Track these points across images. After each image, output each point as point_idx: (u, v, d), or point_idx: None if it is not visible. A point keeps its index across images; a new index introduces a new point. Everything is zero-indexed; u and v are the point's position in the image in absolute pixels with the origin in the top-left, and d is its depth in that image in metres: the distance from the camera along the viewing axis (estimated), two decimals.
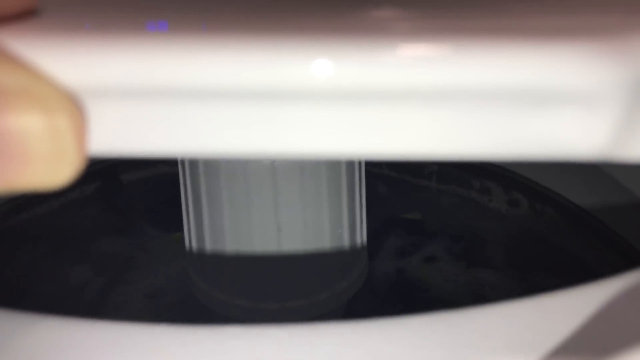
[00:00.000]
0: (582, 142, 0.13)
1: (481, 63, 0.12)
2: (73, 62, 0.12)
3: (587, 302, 0.19)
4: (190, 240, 0.32)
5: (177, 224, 0.33)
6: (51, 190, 0.12)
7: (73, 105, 0.12)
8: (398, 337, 0.18)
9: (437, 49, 0.12)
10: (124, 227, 0.39)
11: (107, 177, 0.41)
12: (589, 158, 0.14)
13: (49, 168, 0.12)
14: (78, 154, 0.12)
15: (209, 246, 0.31)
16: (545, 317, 0.19)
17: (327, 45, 0.12)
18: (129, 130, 0.13)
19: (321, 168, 0.29)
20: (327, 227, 0.31)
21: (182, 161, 0.30)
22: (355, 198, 0.31)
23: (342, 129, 0.13)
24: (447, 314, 0.19)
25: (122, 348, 0.17)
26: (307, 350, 0.17)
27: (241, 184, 0.29)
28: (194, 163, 0.29)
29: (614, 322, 0.19)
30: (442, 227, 0.40)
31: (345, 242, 0.32)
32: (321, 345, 0.18)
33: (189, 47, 0.12)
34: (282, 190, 0.29)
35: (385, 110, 0.13)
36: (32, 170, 0.12)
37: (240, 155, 0.13)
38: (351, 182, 0.30)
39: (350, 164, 0.30)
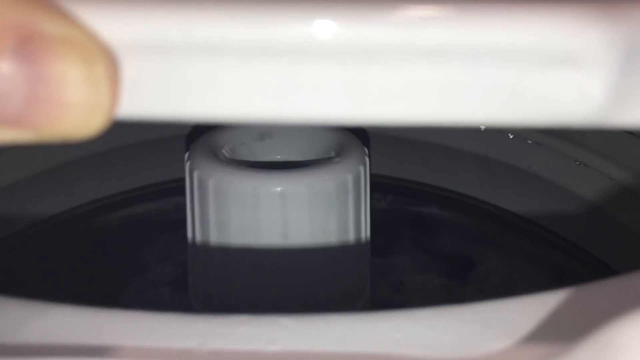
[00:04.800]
0: (578, 106, 0.14)
1: (480, 24, 0.13)
2: (109, 16, 0.13)
3: (588, 301, 0.20)
4: (193, 265, 0.32)
5: None
6: (81, 140, 0.13)
7: (110, 56, 0.13)
8: (405, 326, 0.18)
9: (440, 9, 0.13)
10: None
11: None
12: (584, 123, 0.15)
13: (83, 116, 0.12)
14: (112, 105, 0.13)
15: (212, 272, 0.31)
16: (548, 312, 0.19)
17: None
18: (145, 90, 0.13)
19: (330, 189, 0.30)
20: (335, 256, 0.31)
21: (191, 184, 0.31)
22: (361, 221, 0.32)
23: (348, 92, 0.14)
24: (453, 307, 0.19)
25: (133, 335, 0.17)
26: (316, 336, 0.18)
27: (250, 209, 0.29)
28: (203, 188, 0.30)
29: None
30: None
31: (351, 270, 0.32)
32: (330, 332, 0.18)
33: (206, 5, 0.13)
34: (290, 216, 0.30)
35: (385, 73, 0.13)
36: (67, 117, 0.12)
37: (243, 119, 0.14)
38: (357, 209, 0.31)
39: (357, 181, 0.31)
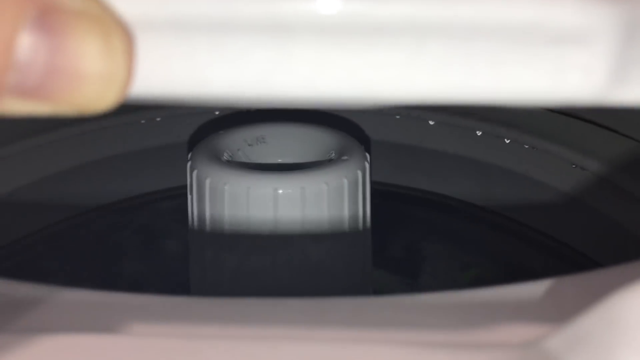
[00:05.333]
0: (581, 84, 0.14)
1: (483, 0, 0.14)
2: None
3: (592, 288, 0.20)
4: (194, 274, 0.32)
5: None
6: (95, 113, 0.13)
7: (126, 30, 0.13)
8: (411, 309, 0.19)
9: None
10: None
11: None
12: (587, 101, 0.15)
13: (100, 88, 0.13)
14: (127, 78, 0.13)
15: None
16: (551, 298, 0.20)
17: None
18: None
19: (329, 189, 0.30)
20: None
21: (192, 185, 0.31)
22: (358, 226, 0.32)
23: (351, 68, 0.14)
24: (456, 292, 0.20)
25: (141, 316, 0.18)
26: (323, 316, 0.18)
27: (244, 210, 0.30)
28: (203, 188, 0.30)
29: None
30: None
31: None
32: (337, 313, 0.18)
33: None
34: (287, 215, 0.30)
35: (388, 49, 0.14)
36: (84, 88, 0.13)
37: (251, 98, 0.14)
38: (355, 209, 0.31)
39: (357, 182, 0.31)
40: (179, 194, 0.37)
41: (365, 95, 0.15)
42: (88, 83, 0.13)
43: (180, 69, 0.14)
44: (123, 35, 0.13)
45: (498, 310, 0.19)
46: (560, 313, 0.18)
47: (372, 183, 0.34)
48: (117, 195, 0.42)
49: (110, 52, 0.13)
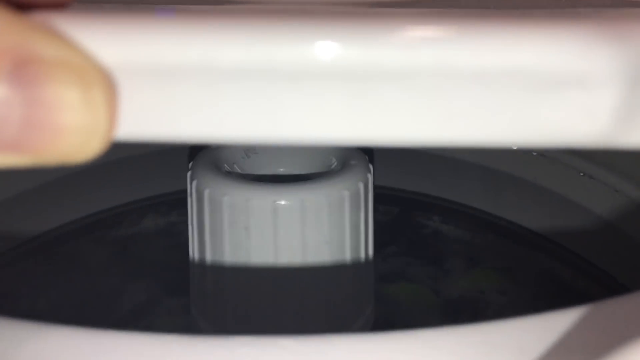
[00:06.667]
0: (585, 127, 0.14)
1: (484, 45, 0.13)
2: (107, 38, 0.13)
3: (600, 319, 0.19)
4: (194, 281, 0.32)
5: None
6: (77, 163, 0.13)
7: (108, 80, 0.13)
8: (408, 347, 0.18)
9: (441, 31, 0.13)
10: None
11: None
12: (591, 144, 0.14)
13: (81, 140, 0.12)
14: (110, 128, 0.13)
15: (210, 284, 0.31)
16: (558, 332, 0.19)
17: (336, 27, 0.13)
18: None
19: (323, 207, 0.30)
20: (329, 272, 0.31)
21: (194, 200, 0.31)
22: (360, 239, 0.31)
23: (349, 113, 0.14)
24: (458, 327, 0.19)
25: (131, 356, 0.17)
26: (316, 357, 0.17)
27: (242, 221, 0.29)
28: (208, 203, 0.30)
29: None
30: None
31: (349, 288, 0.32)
32: (332, 353, 0.18)
33: (205, 26, 0.13)
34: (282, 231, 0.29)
35: (387, 94, 0.13)
36: (64, 140, 0.12)
37: (240, 139, 0.14)
38: (356, 221, 0.31)
39: (356, 201, 0.30)
40: (180, 198, 0.37)
41: (363, 139, 0.14)
42: (68, 135, 0.12)
43: (165, 114, 0.14)
44: (105, 85, 0.12)
45: (501, 348, 0.18)
46: (589, 346, 0.18)
47: (378, 187, 0.33)
48: (118, 200, 0.42)
49: (90, 103, 0.12)
